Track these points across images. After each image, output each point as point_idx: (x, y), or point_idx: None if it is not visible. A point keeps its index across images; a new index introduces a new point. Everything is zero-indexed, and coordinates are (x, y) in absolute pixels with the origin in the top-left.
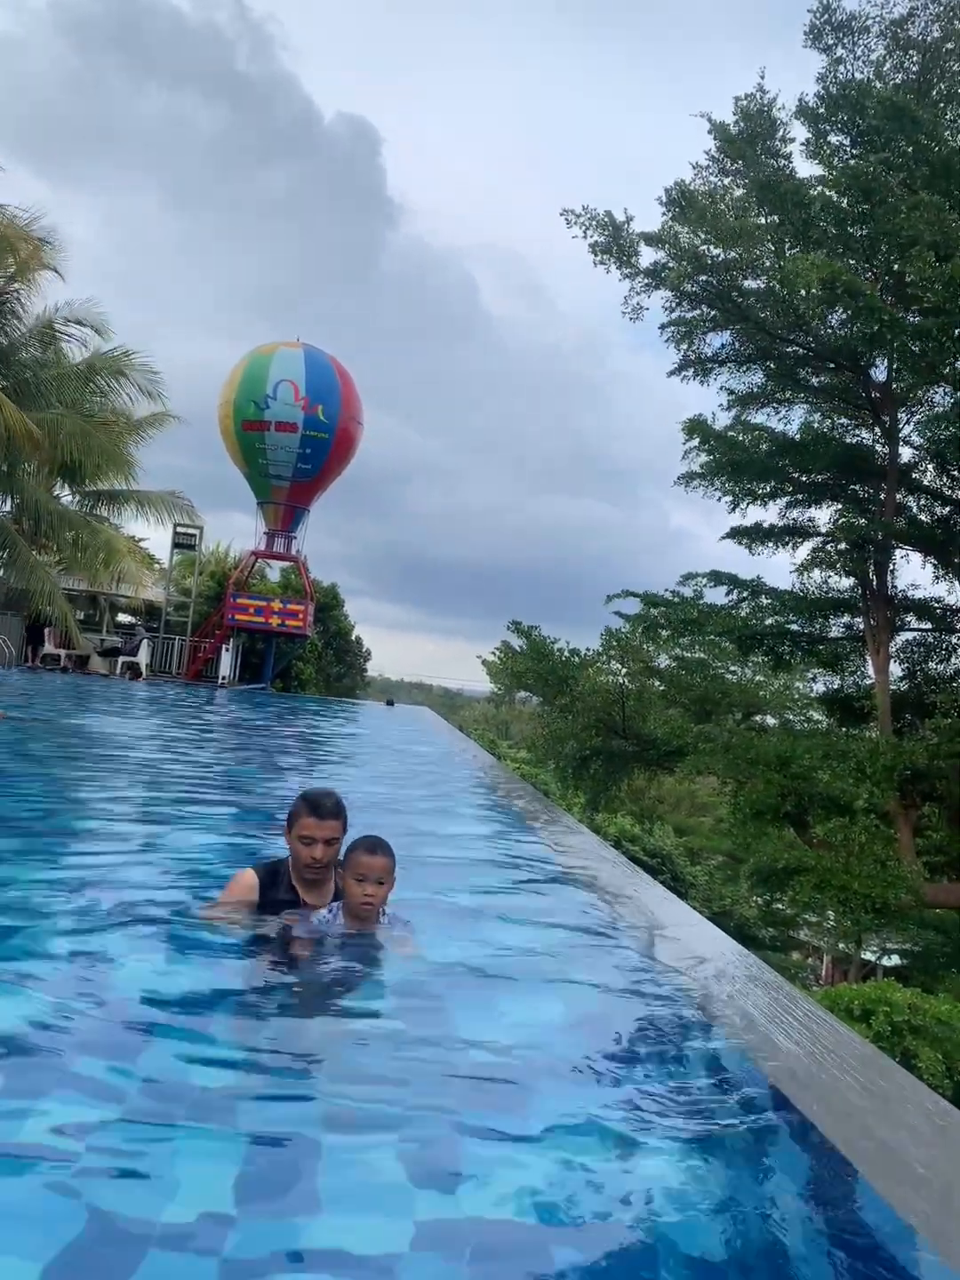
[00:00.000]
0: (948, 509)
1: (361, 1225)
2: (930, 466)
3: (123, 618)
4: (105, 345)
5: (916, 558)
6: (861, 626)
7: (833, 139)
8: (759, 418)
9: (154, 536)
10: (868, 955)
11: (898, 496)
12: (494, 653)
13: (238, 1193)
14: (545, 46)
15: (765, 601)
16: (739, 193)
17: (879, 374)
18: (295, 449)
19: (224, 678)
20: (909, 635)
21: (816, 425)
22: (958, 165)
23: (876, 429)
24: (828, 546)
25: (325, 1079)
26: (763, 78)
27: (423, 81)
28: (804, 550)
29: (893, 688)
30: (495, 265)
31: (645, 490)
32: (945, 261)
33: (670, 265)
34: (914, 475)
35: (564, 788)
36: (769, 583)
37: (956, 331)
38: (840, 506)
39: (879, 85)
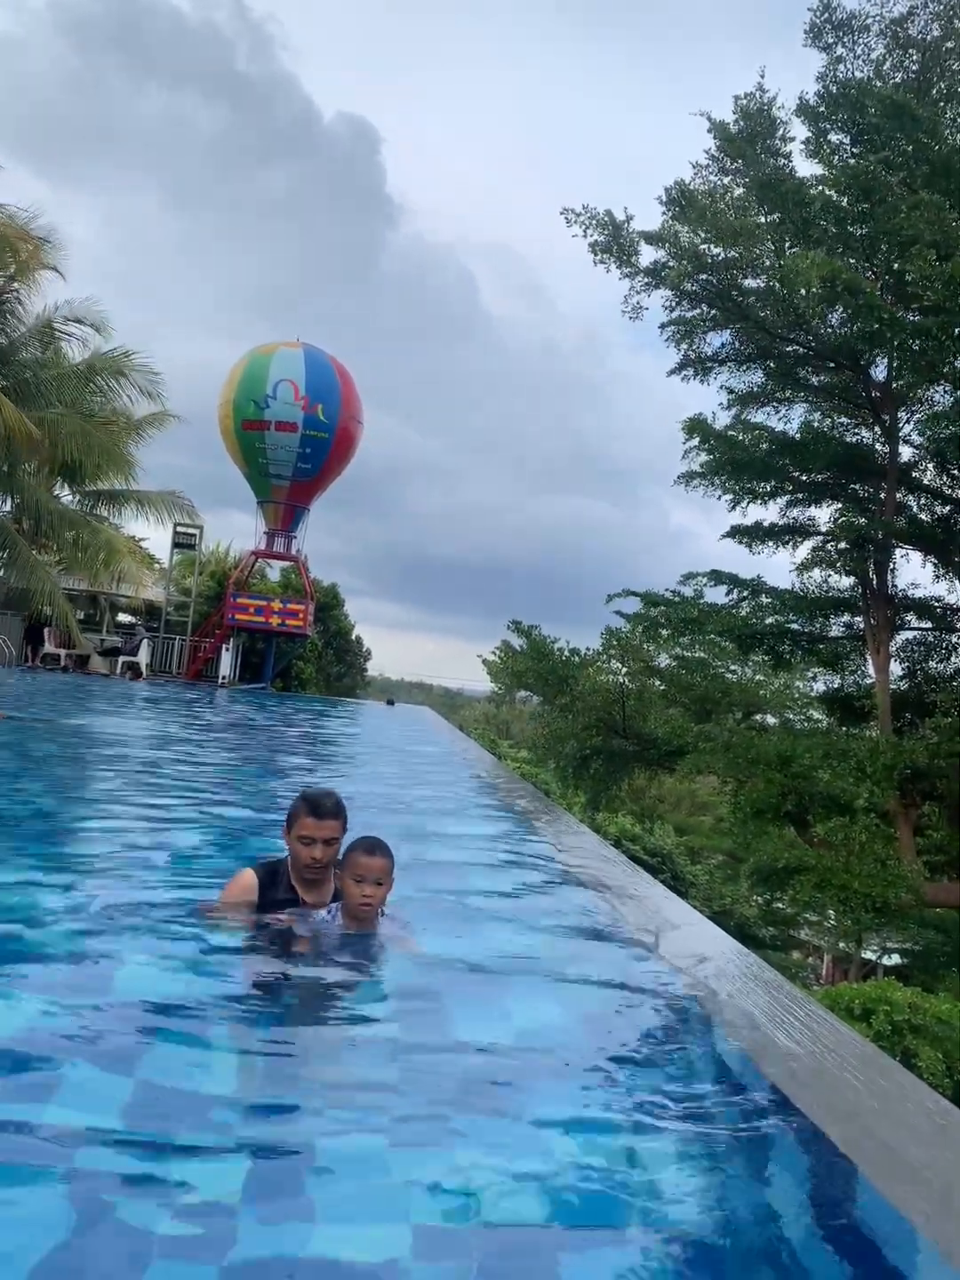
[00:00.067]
0: (948, 508)
1: (360, 1235)
2: (930, 465)
3: (123, 617)
4: (105, 345)
5: (916, 557)
6: (861, 625)
7: (833, 138)
8: (759, 417)
9: (154, 536)
10: (868, 954)
11: (898, 495)
12: (494, 652)
13: (237, 1197)
14: (545, 46)
15: (765, 601)
16: (739, 192)
17: (879, 373)
18: (295, 448)
19: (224, 677)
20: (909, 634)
21: (816, 424)
22: (958, 164)
23: (876, 428)
24: (828, 545)
25: (324, 1080)
26: (763, 77)
27: (423, 81)
28: (804, 549)
29: (893, 687)
30: (495, 265)
31: (645, 490)
32: (945, 260)
33: (670, 264)
34: (914, 474)
35: (564, 787)
36: (769, 582)
37: (956, 330)
38: (840, 505)
39: (879, 84)
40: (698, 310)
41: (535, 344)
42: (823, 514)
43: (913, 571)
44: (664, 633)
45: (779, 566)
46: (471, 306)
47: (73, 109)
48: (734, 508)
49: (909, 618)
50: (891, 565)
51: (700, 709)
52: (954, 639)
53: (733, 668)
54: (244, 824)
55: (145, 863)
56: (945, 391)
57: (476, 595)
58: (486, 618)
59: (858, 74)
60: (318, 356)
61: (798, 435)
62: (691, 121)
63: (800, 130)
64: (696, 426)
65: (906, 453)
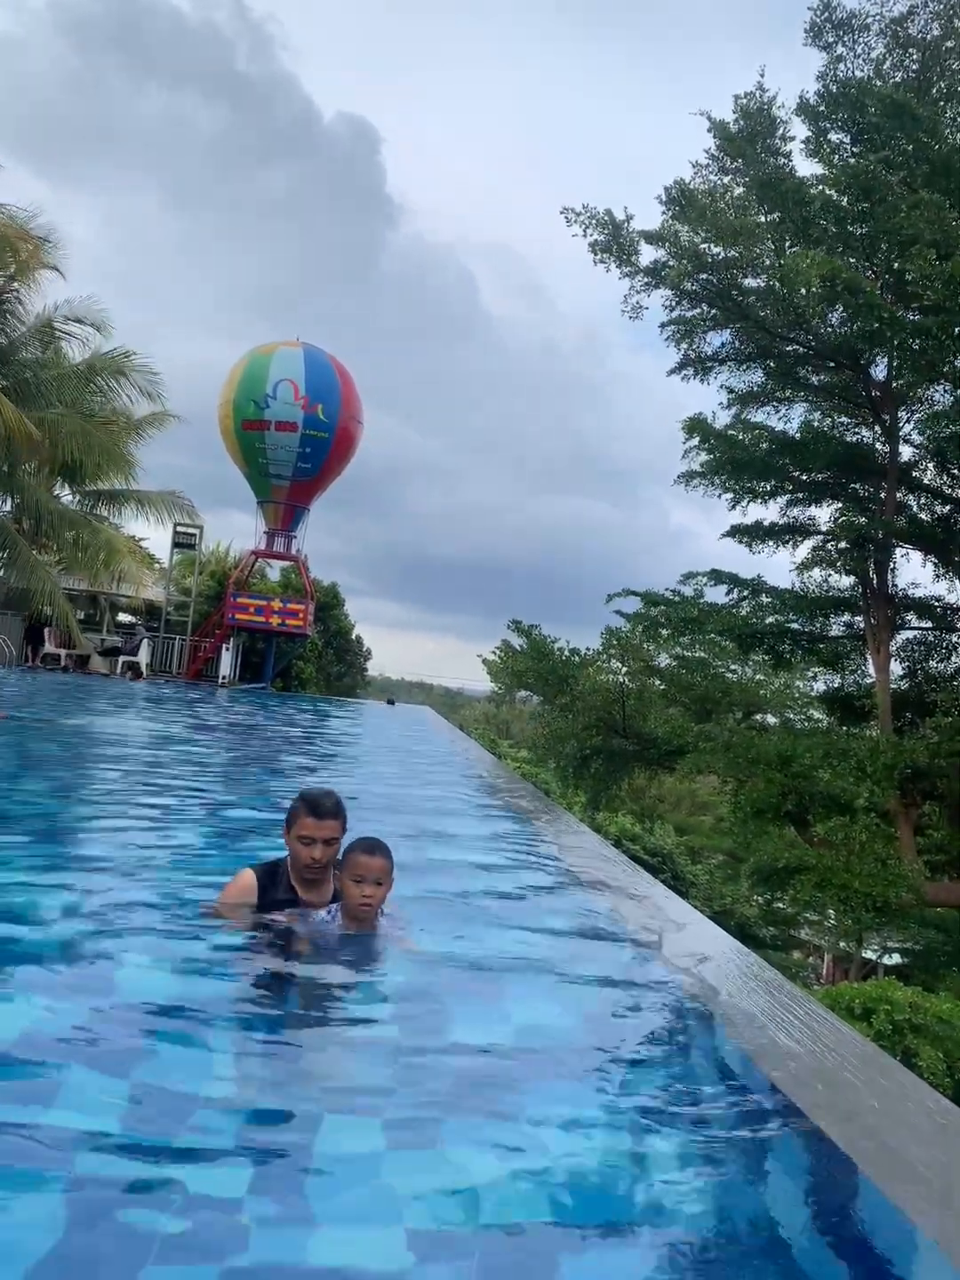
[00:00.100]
0: (948, 507)
1: (360, 1236)
2: (930, 465)
3: (123, 617)
4: (105, 345)
5: (917, 556)
6: (862, 625)
7: (833, 137)
8: (759, 416)
9: (154, 536)
10: (869, 954)
11: (898, 495)
12: (494, 652)
13: (238, 1198)
14: (545, 46)
15: (765, 600)
16: (739, 191)
17: (879, 372)
18: (295, 448)
19: (224, 677)
20: (909, 634)
21: (816, 424)
22: (958, 163)
23: (876, 427)
24: (828, 545)
25: (324, 1080)
26: (762, 76)
27: (423, 81)
28: (804, 549)
29: (893, 686)
30: (495, 265)
31: (645, 490)
32: (945, 259)
33: (670, 264)
34: (914, 473)
35: (564, 787)
36: (769, 581)
37: (956, 329)
38: (840, 505)
39: (879, 83)
40: (698, 310)
41: (535, 344)
42: (823, 513)
43: (913, 571)
44: (664, 632)
45: (779, 566)
46: (471, 306)
47: (73, 109)
48: (734, 507)
49: (909, 617)
50: (891, 565)
51: (700, 708)
52: (954, 638)
53: (733, 667)
54: (244, 824)
55: (145, 863)
56: (945, 391)
57: (476, 595)
58: (486, 617)
59: (858, 73)
60: (318, 356)
61: (798, 435)
62: (691, 121)
63: (800, 129)
64: (696, 426)
65: (906, 452)
